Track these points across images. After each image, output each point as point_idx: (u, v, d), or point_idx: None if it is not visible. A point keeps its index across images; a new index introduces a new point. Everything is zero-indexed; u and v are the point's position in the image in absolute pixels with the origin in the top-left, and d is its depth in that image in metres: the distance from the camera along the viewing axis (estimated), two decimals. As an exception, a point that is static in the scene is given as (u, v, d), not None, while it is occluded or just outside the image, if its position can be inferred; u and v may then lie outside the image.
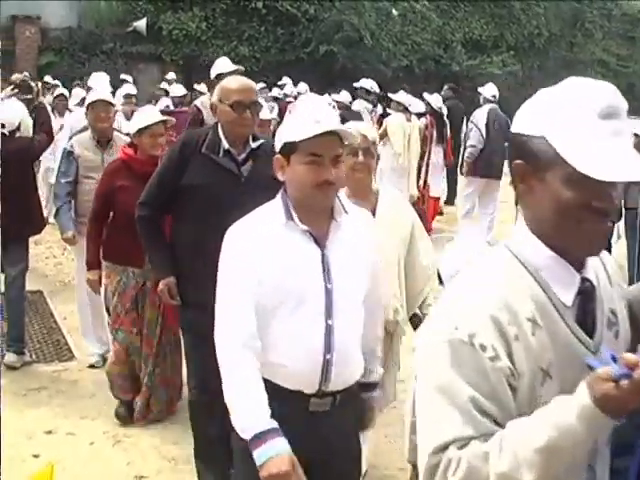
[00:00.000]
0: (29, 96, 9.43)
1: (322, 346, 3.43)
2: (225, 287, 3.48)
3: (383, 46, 31.84)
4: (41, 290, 10.11)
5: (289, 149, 3.42)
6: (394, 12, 32.60)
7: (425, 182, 14.68)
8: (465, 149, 13.78)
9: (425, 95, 16.33)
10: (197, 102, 10.16)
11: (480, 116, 13.70)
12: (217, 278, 4.52)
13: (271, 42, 30.76)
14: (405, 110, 13.93)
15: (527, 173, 2.08)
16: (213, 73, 9.42)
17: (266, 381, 3.33)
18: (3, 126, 7.69)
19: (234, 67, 9.70)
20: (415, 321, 5.46)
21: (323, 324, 3.43)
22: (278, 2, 30.34)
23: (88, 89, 10.95)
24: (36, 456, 5.92)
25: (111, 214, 6.78)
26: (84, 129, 8.57)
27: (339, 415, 3.55)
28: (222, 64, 9.86)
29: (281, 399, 3.33)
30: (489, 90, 14.41)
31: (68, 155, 7.78)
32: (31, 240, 8.26)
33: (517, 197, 2.15)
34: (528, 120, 2.11)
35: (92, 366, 7.79)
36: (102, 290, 6.90)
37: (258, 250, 3.40)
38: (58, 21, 28.53)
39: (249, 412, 3.24)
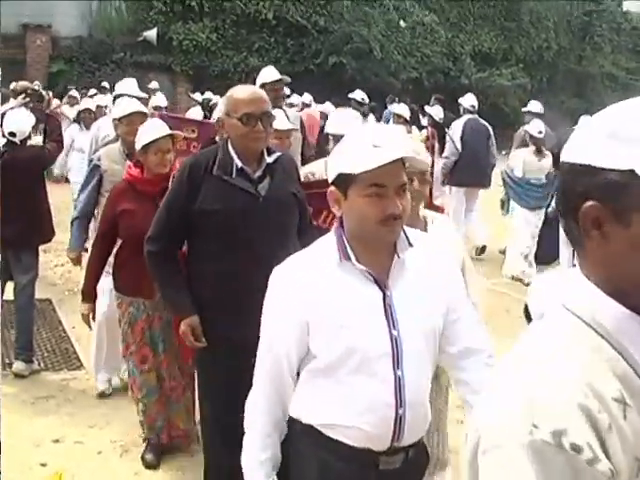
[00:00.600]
0: (40, 105, 9.31)
1: (393, 401, 3.01)
2: (264, 343, 3.13)
3: (392, 58, 31.86)
4: (50, 298, 10.07)
5: (346, 181, 2.96)
6: (402, 23, 32.63)
7: (430, 192, 14.70)
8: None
9: (426, 108, 16.15)
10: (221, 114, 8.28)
11: (456, 127, 13.91)
12: (239, 310, 4.50)
13: (281, 53, 30.85)
14: (405, 122, 13.99)
15: (604, 218, 1.57)
16: (258, 83, 8.28)
17: (329, 439, 3.04)
18: (14, 135, 7.69)
19: (279, 76, 8.67)
20: None
21: (392, 377, 3.00)
22: (288, 13, 30.44)
23: (115, 97, 9.77)
24: (44, 465, 5.90)
25: (118, 242, 6.17)
26: (113, 140, 7.82)
27: (410, 472, 3.19)
28: (266, 73, 8.69)
29: (347, 458, 3.04)
30: (468, 100, 14.69)
31: (94, 169, 7.22)
32: (40, 248, 8.25)
33: (577, 244, 1.67)
34: (600, 149, 1.57)
35: (102, 394, 7.30)
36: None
37: (308, 298, 3.00)
38: (69, 30, 28.63)
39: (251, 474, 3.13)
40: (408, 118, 14.34)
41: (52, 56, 28.36)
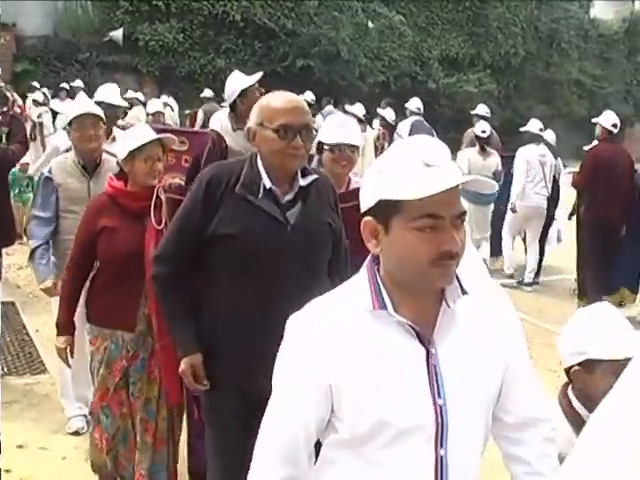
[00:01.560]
0: (4, 108, 9.09)
1: None
2: (274, 410, 2.55)
3: (360, 62, 31.89)
4: (13, 301, 9.97)
5: (388, 209, 2.38)
6: (370, 25, 32.65)
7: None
8: None
9: (379, 110, 17.60)
10: (214, 125, 6.75)
11: (404, 128, 14.24)
12: (252, 357, 3.94)
13: (248, 55, 30.73)
14: (360, 122, 14.32)
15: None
16: (234, 90, 6.63)
17: None
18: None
19: (257, 76, 6.90)
20: None
21: (432, 457, 2.44)
22: (256, 15, 30.33)
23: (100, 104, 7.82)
24: (8, 471, 5.74)
25: (96, 264, 5.36)
26: (67, 151, 6.85)
27: None
28: (242, 78, 6.96)
29: None
30: (414, 103, 15.80)
31: (46, 183, 6.30)
32: (3, 250, 8.12)
33: None
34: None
35: (76, 433, 6.61)
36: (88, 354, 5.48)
37: (332, 356, 2.43)
38: (34, 29, 28.35)
39: None
40: (362, 117, 15.13)
41: (16, 55, 28.06)
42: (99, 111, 6.53)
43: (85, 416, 6.54)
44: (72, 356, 5.50)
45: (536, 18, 37.62)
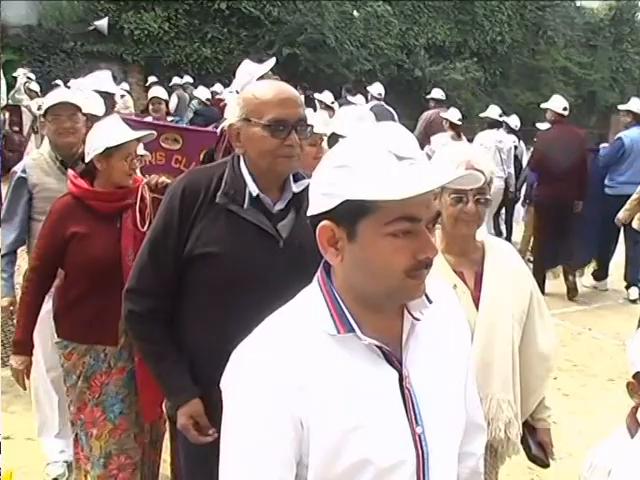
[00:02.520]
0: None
1: None
2: (233, 458, 2.09)
3: (346, 50, 31.77)
4: (-2, 291, 9.88)
5: (355, 212, 2.02)
6: (355, 14, 32.58)
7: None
8: None
9: (349, 97, 18.37)
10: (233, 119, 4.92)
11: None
12: None
13: (234, 44, 30.58)
14: (327, 108, 14.69)
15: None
16: (247, 80, 6.00)
17: None
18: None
19: (270, 63, 6.55)
20: (526, 435, 3.87)
21: None
22: (241, 4, 30.17)
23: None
24: (-6, 462, 5.71)
25: (61, 273, 4.90)
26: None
27: None
28: (254, 66, 6.57)
29: None
30: (376, 88, 16.52)
31: (18, 183, 5.70)
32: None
33: None
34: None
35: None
36: (60, 376, 5.12)
37: (298, 389, 2.03)
38: (18, 19, 28.13)
39: None
40: (330, 104, 15.24)
41: (0, 45, 27.94)
42: (78, 100, 5.89)
43: (66, 461, 6.00)
44: (28, 376, 5.09)
45: (522, 6, 37.55)
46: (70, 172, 4.98)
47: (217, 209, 3.45)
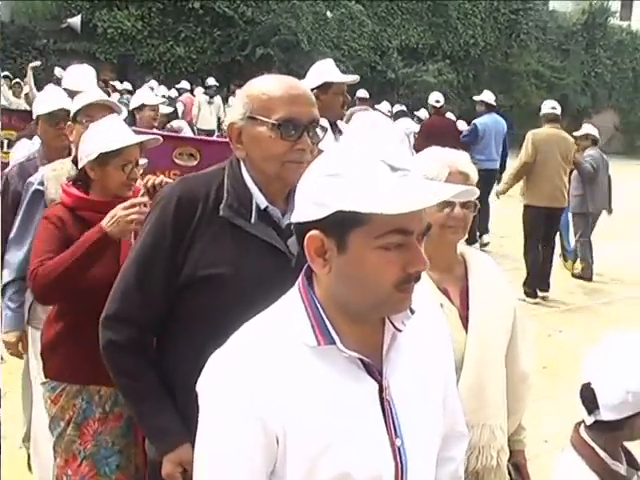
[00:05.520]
0: None
1: None
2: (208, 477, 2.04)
3: (319, 51, 31.77)
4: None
5: (346, 223, 1.93)
6: (329, 14, 32.61)
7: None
8: None
9: None
10: (235, 117, 3.63)
11: None
12: None
13: (207, 43, 30.59)
14: None
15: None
16: (318, 80, 5.53)
17: None
18: None
19: (350, 78, 5.84)
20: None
21: None
22: (215, 3, 30.21)
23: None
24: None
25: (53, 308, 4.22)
26: (32, 158, 5.43)
27: None
28: (334, 70, 5.79)
29: None
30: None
31: (35, 197, 4.81)
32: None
33: None
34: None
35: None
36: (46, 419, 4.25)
37: (275, 402, 1.96)
38: (-10, 15, 28.07)
39: None
40: None
41: (-28, 41, 27.80)
42: (112, 102, 5.19)
43: None
44: (25, 350, 4.85)
45: (495, 9, 37.76)
46: (64, 180, 4.34)
47: (219, 224, 2.94)
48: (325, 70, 5.72)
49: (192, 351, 2.86)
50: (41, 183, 4.77)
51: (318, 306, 2.04)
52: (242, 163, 3.02)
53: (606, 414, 2.96)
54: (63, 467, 4.08)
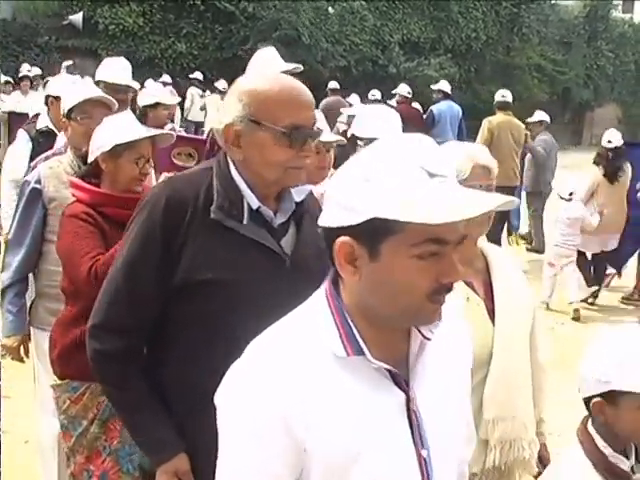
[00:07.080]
0: None
1: None
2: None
3: (320, 46, 31.75)
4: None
5: (379, 230, 1.86)
6: (330, 10, 32.55)
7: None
8: None
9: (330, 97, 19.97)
10: (232, 118, 3.39)
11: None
12: None
13: (209, 39, 30.56)
14: None
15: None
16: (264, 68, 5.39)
17: None
18: None
19: (291, 66, 5.81)
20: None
21: None
22: (216, -1, 30.16)
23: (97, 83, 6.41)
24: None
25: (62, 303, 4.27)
26: (58, 152, 5.27)
27: None
28: (276, 58, 5.94)
29: None
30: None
31: (32, 196, 4.73)
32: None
33: None
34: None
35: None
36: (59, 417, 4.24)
37: (302, 414, 1.91)
38: (-9, 13, 28.07)
39: None
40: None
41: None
42: (108, 99, 5.10)
43: None
44: (27, 354, 4.89)
45: (497, 3, 37.60)
46: (70, 178, 4.34)
47: (210, 226, 2.86)
48: (268, 60, 5.68)
49: (187, 356, 2.90)
50: (38, 181, 4.73)
51: (346, 315, 1.99)
52: (232, 163, 2.94)
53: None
54: (84, 463, 4.06)
